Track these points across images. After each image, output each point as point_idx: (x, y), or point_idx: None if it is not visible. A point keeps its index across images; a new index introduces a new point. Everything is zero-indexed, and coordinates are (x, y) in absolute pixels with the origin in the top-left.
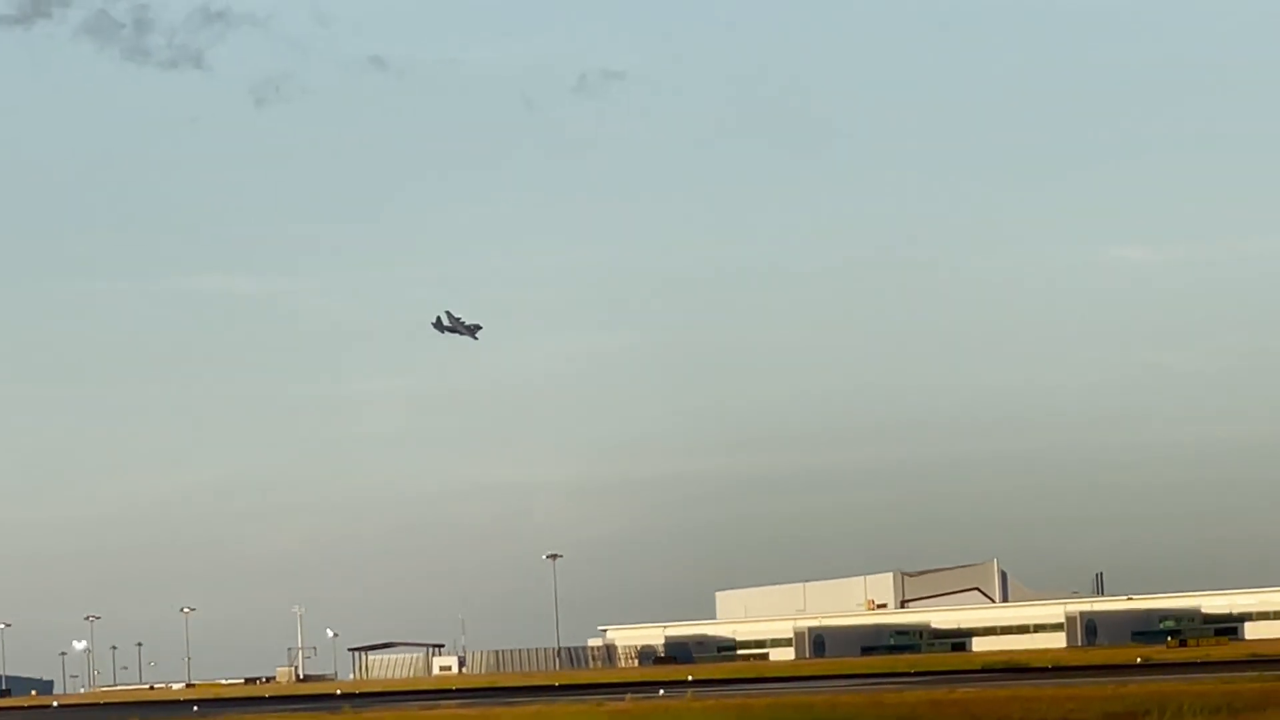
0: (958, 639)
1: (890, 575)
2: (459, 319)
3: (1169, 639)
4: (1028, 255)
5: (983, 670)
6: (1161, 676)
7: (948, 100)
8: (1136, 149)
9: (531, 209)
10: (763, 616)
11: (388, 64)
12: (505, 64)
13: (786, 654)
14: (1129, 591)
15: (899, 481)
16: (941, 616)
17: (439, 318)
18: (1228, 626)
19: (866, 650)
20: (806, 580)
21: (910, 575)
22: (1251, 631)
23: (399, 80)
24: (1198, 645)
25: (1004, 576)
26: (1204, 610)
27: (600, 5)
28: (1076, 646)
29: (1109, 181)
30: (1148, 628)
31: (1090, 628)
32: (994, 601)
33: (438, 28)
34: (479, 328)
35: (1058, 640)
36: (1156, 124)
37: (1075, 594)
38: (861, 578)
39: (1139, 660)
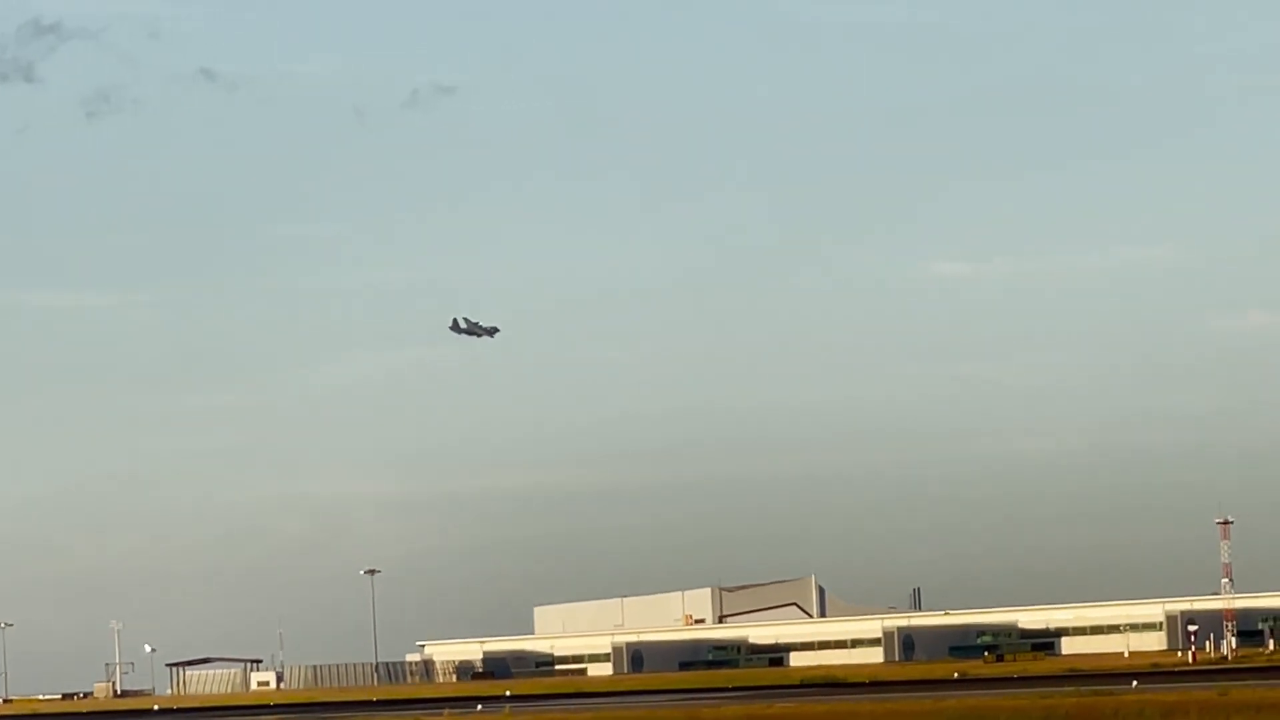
0: (775, 654)
1: (708, 590)
2: (476, 322)
3: (986, 654)
4: (847, 271)
5: (800, 685)
6: (979, 691)
7: (772, 114)
8: (955, 167)
9: (360, 221)
10: (581, 632)
11: (218, 77)
12: (337, 77)
13: (604, 669)
14: (946, 607)
15: (717, 497)
16: (759, 632)
17: (455, 320)
18: (1044, 642)
19: (684, 665)
20: (624, 596)
21: (728, 590)
22: (1068, 646)
23: (230, 93)
24: (1014, 660)
25: (822, 592)
26: (1021, 625)
27: (433, 20)
28: (894, 661)
29: (929, 198)
30: (965, 643)
31: (908, 643)
32: (812, 617)
33: (269, 41)
34: (496, 330)
35: (875, 655)
36: (978, 142)
37: (893, 609)
38: (680, 593)
39: (956, 675)
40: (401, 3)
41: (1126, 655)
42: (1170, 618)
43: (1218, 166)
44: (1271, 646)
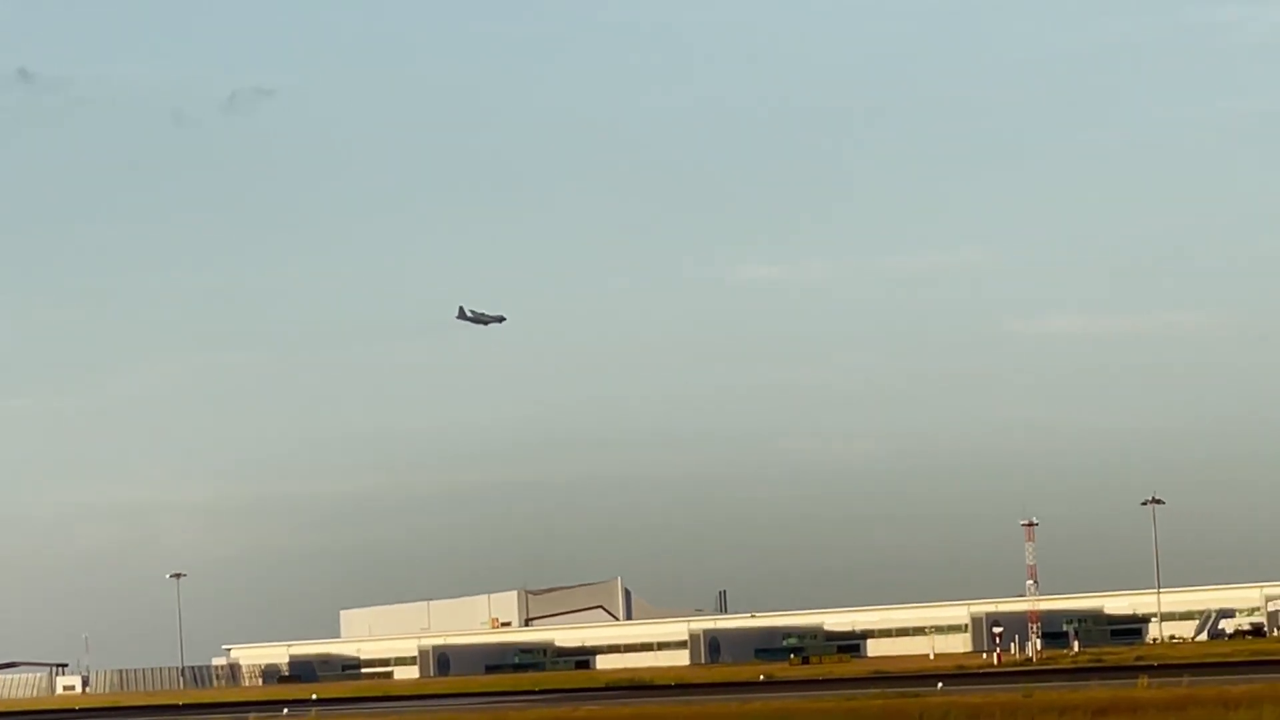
0: (582, 657)
1: (514, 594)
2: (481, 312)
3: (792, 656)
4: (655, 273)
5: (606, 688)
6: (784, 694)
7: (578, 115)
8: (765, 171)
9: (176, 224)
10: (387, 635)
11: (35, 78)
12: (155, 80)
13: (411, 672)
14: (752, 609)
15: (523, 500)
16: (565, 635)
17: (461, 308)
18: (850, 644)
19: (491, 668)
20: (431, 599)
21: (534, 594)
22: (874, 648)
23: (46, 94)
24: (820, 662)
25: (628, 595)
26: (827, 628)
27: (252, 23)
28: (700, 664)
29: (738, 201)
30: (771, 645)
31: (714, 645)
32: (618, 620)
33: (87, 42)
34: (503, 319)
35: (681, 658)
36: (789, 147)
37: (699, 612)
38: (486, 596)
39: (762, 677)
40: (221, 4)
41: (932, 657)
42: (975, 620)
43: (1019, 170)
44: (1076, 648)
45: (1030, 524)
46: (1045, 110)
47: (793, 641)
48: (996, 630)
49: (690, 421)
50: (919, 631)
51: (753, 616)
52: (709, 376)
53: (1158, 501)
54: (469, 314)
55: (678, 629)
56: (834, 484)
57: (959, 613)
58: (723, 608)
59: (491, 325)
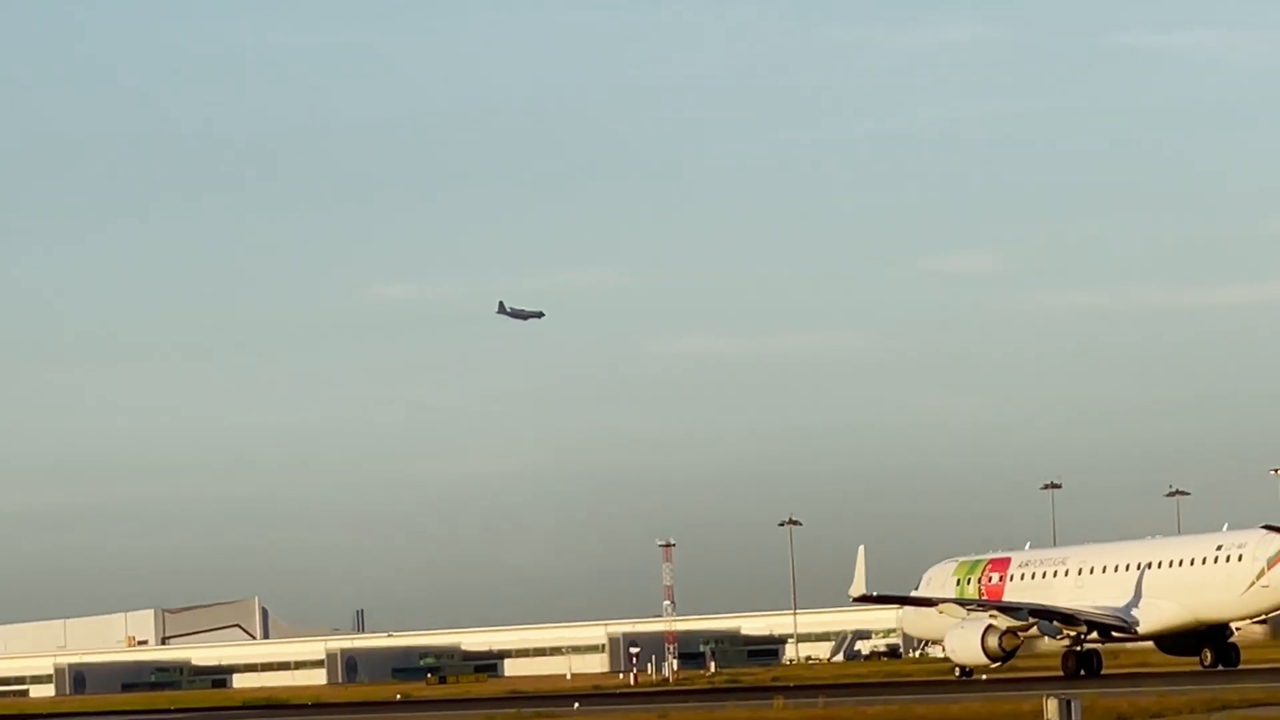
0: (219, 675)
1: (151, 612)
2: (520, 308)
3: (429, 676)
4: (296, 290)
5: (243, 707)
6: (420, 713)
7: (234, 130)
8: (405, 188)
9: None
10: (21, 653)
11: None
12: None
13: (47, 690)
14: (390, 629)
15: (158, 518)
16: (202, 654)
17: (501, 303)
18: (488, 663)
19: (128, 687)
20: (66, 617)
21: (171, 612)
22: (511, 668)
23: None
24: (458, 682)
25: (265, 614)
26: (464, 648)
27: None
28: (337, 683)
29: (377, 220)
30: (408, 665)
31: (350, 664)
32: (255, 638)
33: None
34: (541, 314)
35: (319, 677)
36: (428, 162)
37: (336, 631)
38: (122, 614)
39: (399, 697)
40: None
41: (569, 677)
42: (613, 640)
43: (658, 192)
44: (713, 668)
45: (668, 544)
46: (688, 136)
47: (430, 661)
48: (633, 650)
49: (328, 441)
50: (556, 651)
51: (390, 636)
52: (349, 395)
53: (795, 523)
54: (508, 310)
55: (314, 648)
56: (471, 503)
57: (596, 633)
58: (360, 627)
59: (530, 321)
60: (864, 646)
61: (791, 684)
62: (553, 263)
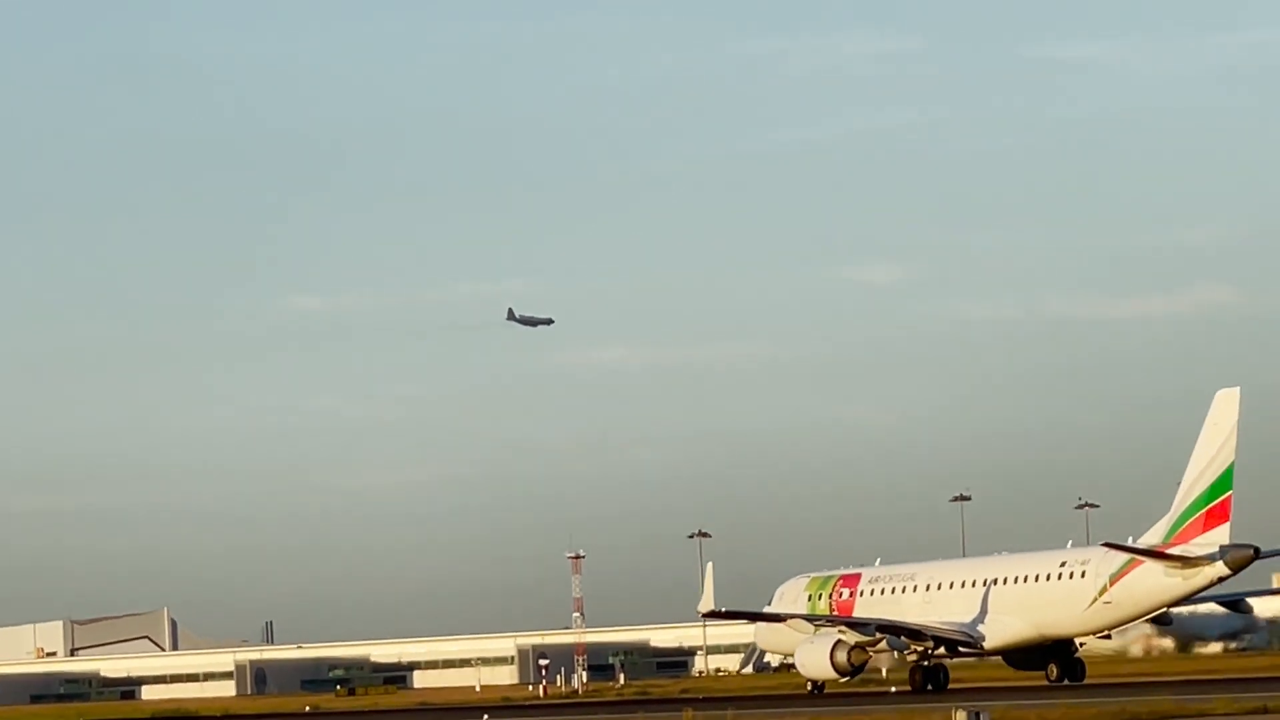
0: (128, 687)
1: (60, 623)
2: (529, 315)
3: (338, 688)
4: (210, 303)
5: (152, 718)
6: None
7: (132, 143)
8: (307, 202)
9: None
10: None
11: None
12: None
13: None
14: (299, 640)
15: (66, 527)
16: (111, 665)
17: (511, 310)
18: (397, 675)
19: (36, 698)
20: None
21: (80, 623)
22: (420, 680)
23: None
24: (367, 694)
25: (174, 625)
26: (373, 659)
27: None
28: (246, 695)
29: (288, 233)
30: (317, 676)
31: (260, 676)
32: (164, 650)
33: None
34: (550, 321)
35: (228, 689)
36: (308, 179)
37: (245, 642)
38: (31, 625)
39: (308, 709)
40: None
41: (478, 689)
42: (522, 652)
43: (568, 202)
44: (622, 680)
45: (577, 556)
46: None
47: (339, 673)
48: (543, 662)
49: (233, 451)
50: (465, 663)
51: (299, 647)
52: (257, 405)
53: (704, 535)
54: (518, 317)
55: (224, 659)
56: (379, 515)
57: (506, 645)
58: (269, 638)
59: (539, 328)
60: (772, 659)
61: (701, 696)
62: (463, 274)
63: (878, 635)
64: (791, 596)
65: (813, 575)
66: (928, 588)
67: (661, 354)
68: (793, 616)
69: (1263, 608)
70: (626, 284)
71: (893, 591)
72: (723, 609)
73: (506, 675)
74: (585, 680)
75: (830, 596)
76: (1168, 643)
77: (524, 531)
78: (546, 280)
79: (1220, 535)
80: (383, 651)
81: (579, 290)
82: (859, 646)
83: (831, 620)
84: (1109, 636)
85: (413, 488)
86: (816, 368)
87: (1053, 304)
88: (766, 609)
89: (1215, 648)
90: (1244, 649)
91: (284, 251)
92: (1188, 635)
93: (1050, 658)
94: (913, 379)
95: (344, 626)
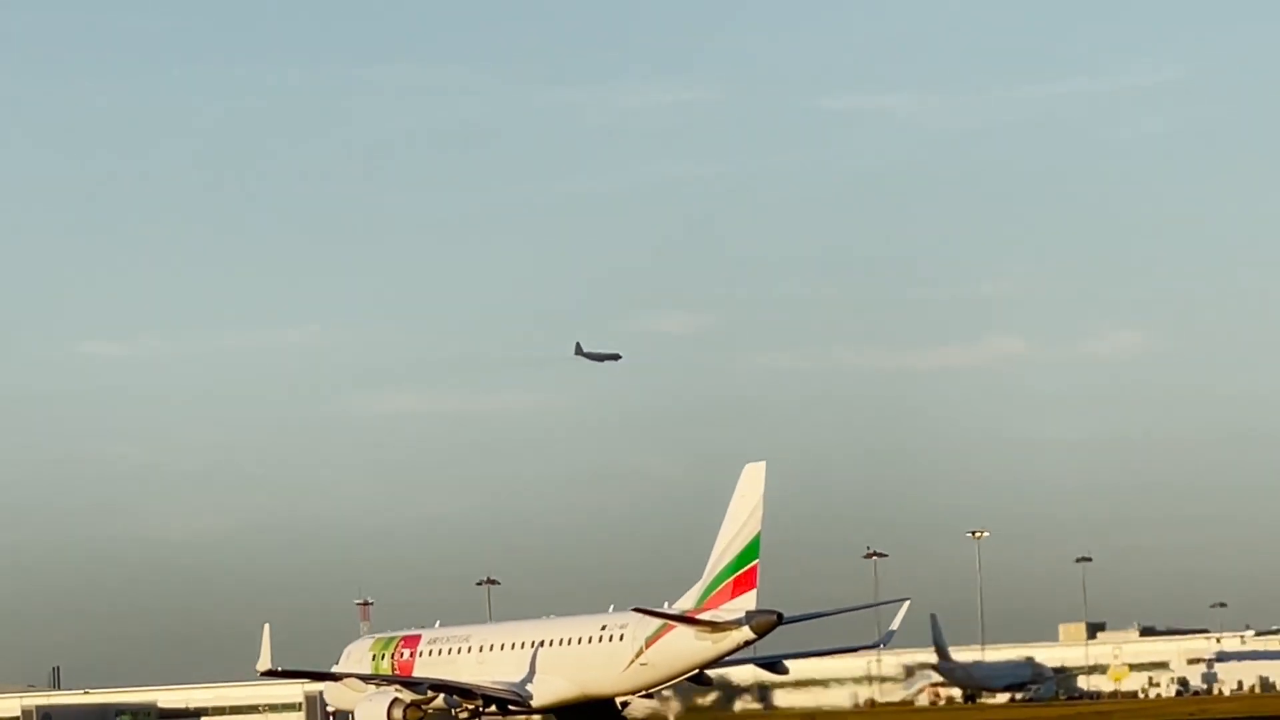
0: None
1: None
2: (597, 351)
3: None
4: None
5: None
6: None
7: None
8: (101, 249)
9: None
10: None
11: None
12: None
13: None
14: (87, 685)
15: None
16: None
17: (578, 345)
18: None
19: None
20: None
21: None
22: None
23: None
24: None
25: None
26: (161, 705)
27: None
28: None
29: (80, 278)
30: None
31: None
32: None
33: None
34: (618, 356)
35: None
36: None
37: (31, 687)
38: None
39: None
40: None
41: None
42: (309, 698)
43: (355, 249)
44: None
45: (365, 603)
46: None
47: (127, 718)
48: (330, 709)
49: (27, 495)
50: (253, 709)
51: (86, 693)
52: (43, 451)
53: (493, 582)
54: (585, 352)
55: (10, 705)
56: (170, 560)
57: (294, 691)
58: (56, 684)
59: (607, 363)
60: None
61: None
62: (252, 322)
63: (430, 694)
64: (358, 656)
65: (378, 636)
66: (481, 649)
67: (452, 401)
68: (348, 676)
69: (1048, 657)
70: (416, 331)
71: (449, 652)
72: (279, 668)
73: None
74: None
75: (393, 656)
76: (955, 692)
77: (313, 576)
78: (331, 328)
79: (747, 601)
80: (171, 697)
81: (364, 337)
82: (414, 704)
83: (387, 679)
84: (651, 696)
85: (203, 533)
86: (605, 419)
87: (843, 354)
88: (334, 668)
89: (1002, 698)
90: (1030, 700)
91: (76, 296)
92: (975, 685)
93: (595, 716)
94: (701, 430)
95: (132, 672)
